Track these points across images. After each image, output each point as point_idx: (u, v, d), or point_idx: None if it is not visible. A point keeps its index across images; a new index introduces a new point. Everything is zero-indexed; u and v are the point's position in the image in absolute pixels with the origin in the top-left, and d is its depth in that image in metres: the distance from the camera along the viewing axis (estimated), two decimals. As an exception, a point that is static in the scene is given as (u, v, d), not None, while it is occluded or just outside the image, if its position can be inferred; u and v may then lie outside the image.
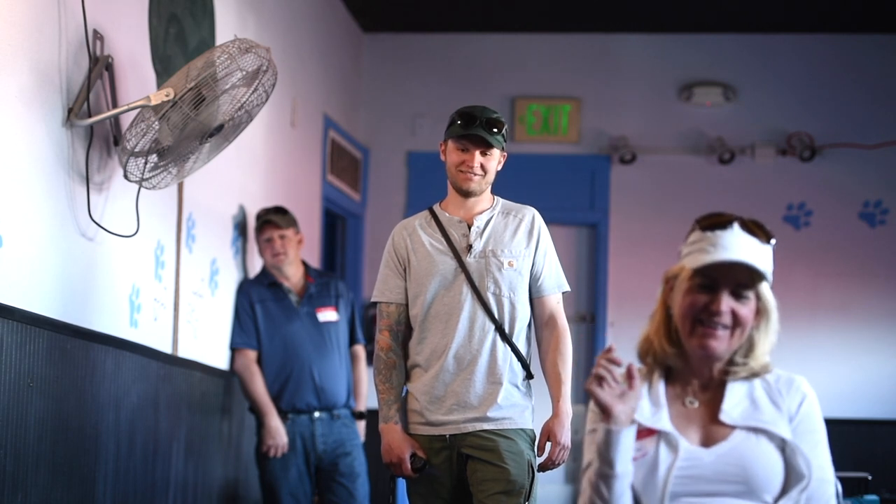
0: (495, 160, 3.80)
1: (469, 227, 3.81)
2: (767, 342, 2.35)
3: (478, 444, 3.70)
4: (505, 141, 3.81)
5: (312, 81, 6.96)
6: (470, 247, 3.78)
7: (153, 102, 3.87)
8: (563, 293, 3.88)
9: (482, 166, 3.76)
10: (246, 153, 5.66)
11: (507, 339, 3.75)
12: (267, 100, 4.09)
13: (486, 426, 3.71)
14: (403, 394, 3.86)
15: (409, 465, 3.73)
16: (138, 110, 3.93)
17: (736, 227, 2.32)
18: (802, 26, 7.95)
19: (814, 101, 8.00)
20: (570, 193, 8.11)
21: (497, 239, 3.79)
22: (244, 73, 3.93)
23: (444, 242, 3.80)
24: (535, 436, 3.79)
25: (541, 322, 3.83)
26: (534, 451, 3.76)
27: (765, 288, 2.33)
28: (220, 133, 4.07)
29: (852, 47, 8.02)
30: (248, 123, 4.16)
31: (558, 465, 3.75)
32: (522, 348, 3.78)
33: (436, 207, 3.88)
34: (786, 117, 8.01)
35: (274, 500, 5.32)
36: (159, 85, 4.47)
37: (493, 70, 8.21)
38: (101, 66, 3.99)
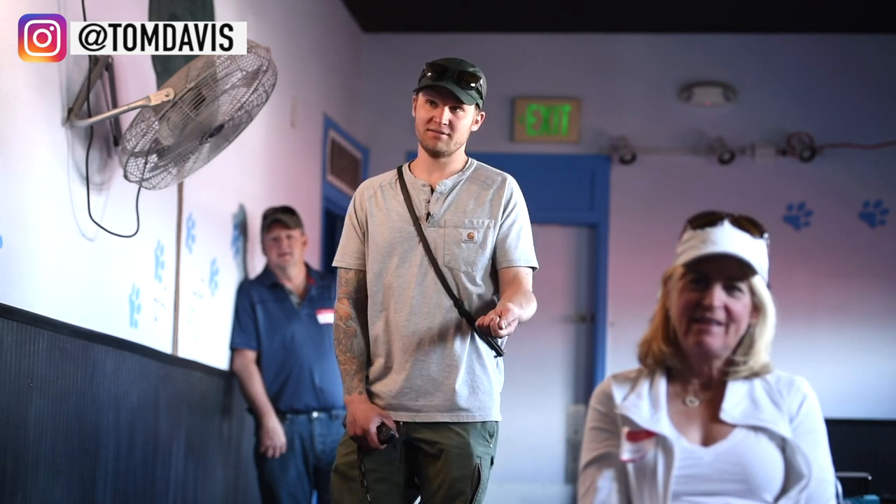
0: (468, 118, 3.50)
1: (432, 192, 3.52)
2: (766, 338, 2.35)
3: (427, 439, 3.46)
4: (482, 98, 3.51)
5: (312, 81, 6.96)
6: (429, 214, 3.50)
7: (153, 102, 3.87)
8: (533, 274, 3.55)
9: (451, 124, 3.46)
10: (246, 153, 5.66)
11: (466, 315, 3.45)
12: (267, 100, 4.09)
13: (440, 417, 3.45)
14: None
15: (375, 438, 3.43)
16: (138, 110, 3.93)
17: (726, 223, 2.33)
18: (802, 26, 7.95)
19: (814, 101, 8.00)
20: (570, 193, 8.11)
21: (458, 207, 3.49)
22: (244, 73, 3.93)
23: (405, 207, 3.51)
24: (495, 429, 3.52)
25: (505, 289, 3.48)
26: (491, 447, 3.49)
27: (758, 282, 2.33)
28: (220, 133, 4.07)
29: (852, 47, 8.02)
30: (248, 123, 4.16)
31: (495, 331, 3.25)
32: None
33: (404, 168, 3.59)
34: (786, 117, 8.01)
35: (273, 500, 5.32)
36: (159, 85, 4.47)
37: (493, 70, 8.13)
38: (101, 66, 3.99)
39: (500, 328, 3.24)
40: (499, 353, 3.53)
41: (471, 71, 3.48)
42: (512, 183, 3.55)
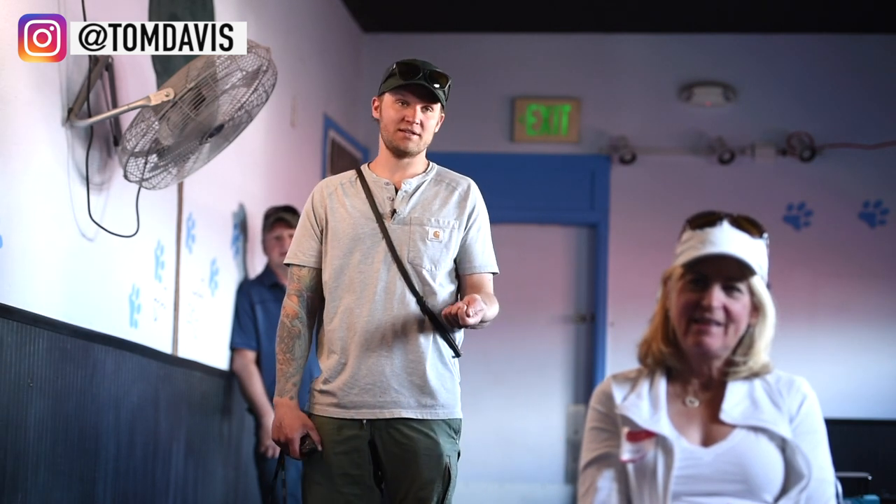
0: (435, 118, 3.49)
1: (396, 191, 3.49)
2: (766, 338, 2.35)
3: (394, 441, 3.41)
4: (447, 99, 3.50)
5: (312, 81, 6.96)
6: (394, 212, 3.46)
7: (153, 102, 3.87)
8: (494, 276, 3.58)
9: (422, 123, 3.45)
10: (246, 153, 5.66)
11: (429, 313, 3.42)
12: (267, 100, 4.09)
13: (406, 413, 3.40)
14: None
15: (297, 448, 3.39)
16: (138, 110, 3.93)
17: (725, 223, 2.33)
18: (802, 26, 7.95)
19: (814, 101, 8.00)
20: (570, 193, 8.11)
21: (425, 206, 3.47)
22: (244, 73, 3.93)
23: (367, 204, 3.47)
24: (459, 426, 3.50)
25: (470, 293, 3.44)
26: (457, 443, 3.48)
27: (757, 283, 2.33)
28: (220, 133, 4.08)
29: (852, 47, 8.02)
30: (248, 123, 4.17)
31: (463, 319, 3.28)
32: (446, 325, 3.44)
33: (364, 167, 3.57)
34: (786, 117, 8.01)
35: (273, 500, 5.32)
36: (159, 85, 4.47)
37: (493, 70, 8.21)
38: (101, 66, 3.99)
39: (469, 315, 3.26)
40: (457, 354, 3.51)
41: (440, 71, 3.48)
42: (476, 188, 3.56)
